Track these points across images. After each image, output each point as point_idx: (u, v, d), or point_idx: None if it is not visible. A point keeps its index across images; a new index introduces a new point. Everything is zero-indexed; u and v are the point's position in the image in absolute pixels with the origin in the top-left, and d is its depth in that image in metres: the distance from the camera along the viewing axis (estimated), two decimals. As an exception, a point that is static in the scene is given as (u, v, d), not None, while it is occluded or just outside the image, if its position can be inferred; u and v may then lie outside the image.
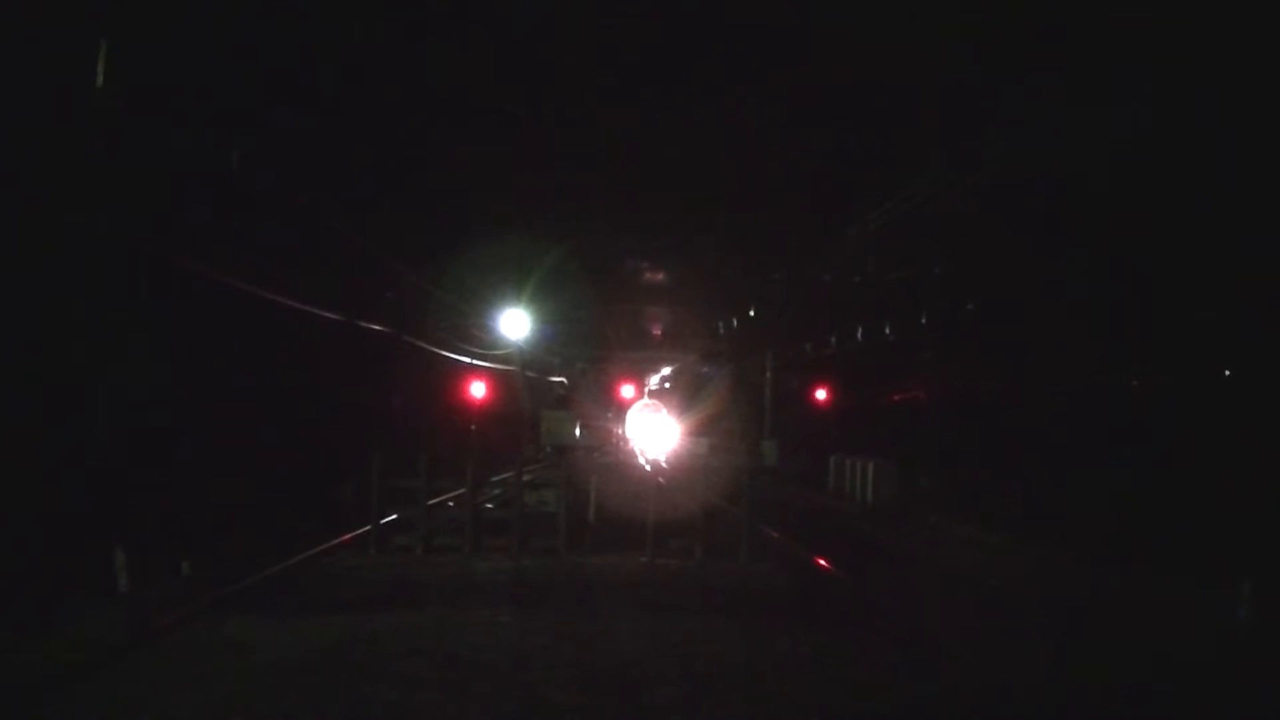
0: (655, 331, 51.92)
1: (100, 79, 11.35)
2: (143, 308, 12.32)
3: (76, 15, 11.02)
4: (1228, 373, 15.26)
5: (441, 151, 25.51)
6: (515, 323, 33.60)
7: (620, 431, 54.45)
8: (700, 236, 35.56)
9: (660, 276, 44.66)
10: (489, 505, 17.21)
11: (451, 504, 16.65)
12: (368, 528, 14.52)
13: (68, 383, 10.96)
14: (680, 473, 31.82)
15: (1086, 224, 17.33)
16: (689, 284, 43.46)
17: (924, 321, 25.65)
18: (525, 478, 16.39)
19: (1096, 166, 16.51)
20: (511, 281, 32.82)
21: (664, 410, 54.34)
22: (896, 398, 27.76)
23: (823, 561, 14.98)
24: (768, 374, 41.87)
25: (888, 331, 28.52)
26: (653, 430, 52.56)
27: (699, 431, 50.36)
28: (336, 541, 14.57)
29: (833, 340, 34.58)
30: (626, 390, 57.78)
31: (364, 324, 20.91)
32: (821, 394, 34.78)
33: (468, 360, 30.60)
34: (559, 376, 49.42)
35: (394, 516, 14.94)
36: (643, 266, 43.74)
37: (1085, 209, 17.25)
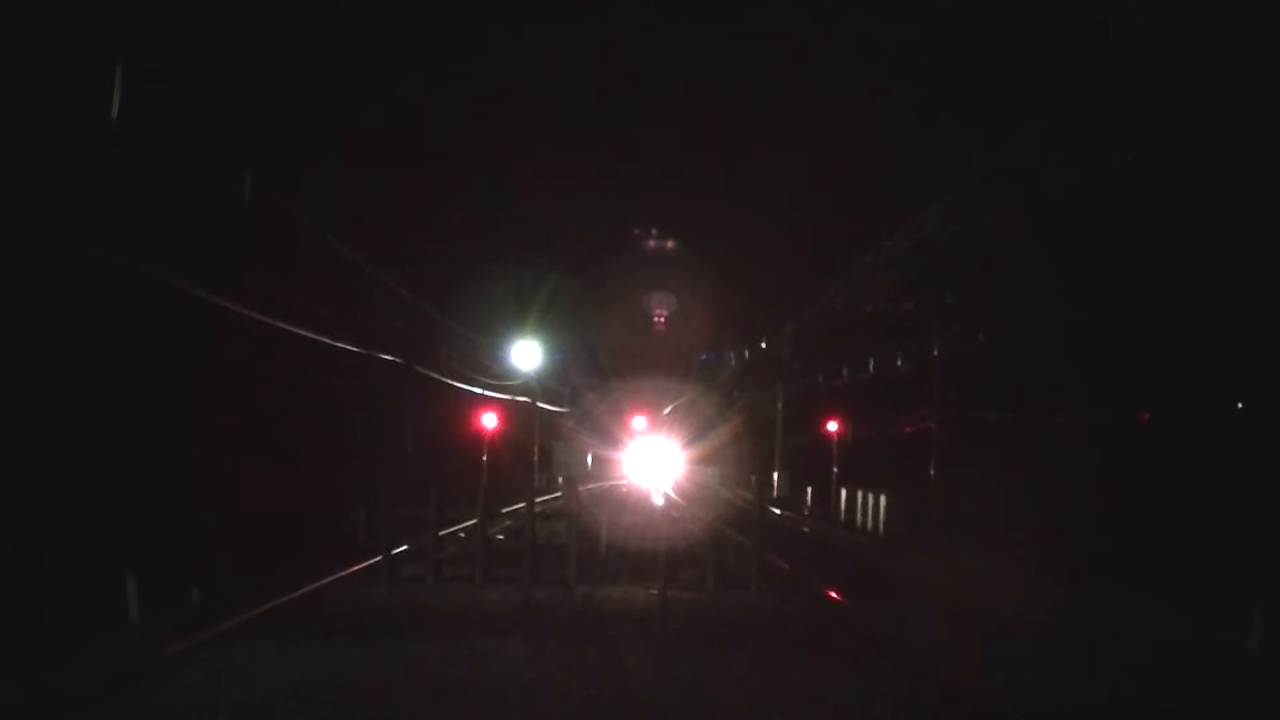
0: (665, 361, 52.04)
1: (115, 109, 11.47)
2: (147, 333, 12.35)
3: (93, 42, 11.15)
4: (1240, 405, 15.20)
5: (456, 178, 25.72)
6: (527, 354, 33.69)
7: (631, 461, 54.38)
8: (711, 265, 35.79)
9: (671, 306, 44.84)
10: (500, 536, 17.16)
11: (463, 534, 16.62)
12: (379, 557, 14.49)
13: (80, 409, 11.01)
14: (691, 503, 31.71)
15: (1102, 254, 17.34)
16: (700, 314, 43.65)
17: (935, 352, 25.60)
18: (536, 509, 16.33)
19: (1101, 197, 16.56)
20: (522, 312, 33.03)
21: (674, 440, 54.28)
22: (908, 429, 27.66)
23: (834, 594, 14.89)
24: (778, 405, 41.84)
25: (899, 363, 28.47)
26: (663, 460, 52.46)
27: (709, 462, 50.20)
28: (348, 571, 14.54)
29: (844, 371, 34.53)
30: (637, 420, 57.78)
31: (376, 354, 20.96)
32: (832, 425, 34.66)
33: (479, 391, 30.65)
34: (569, 407, 49.50)
35: (405, 547, 14.91)
36: (653, 296, 43.96)
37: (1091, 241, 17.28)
